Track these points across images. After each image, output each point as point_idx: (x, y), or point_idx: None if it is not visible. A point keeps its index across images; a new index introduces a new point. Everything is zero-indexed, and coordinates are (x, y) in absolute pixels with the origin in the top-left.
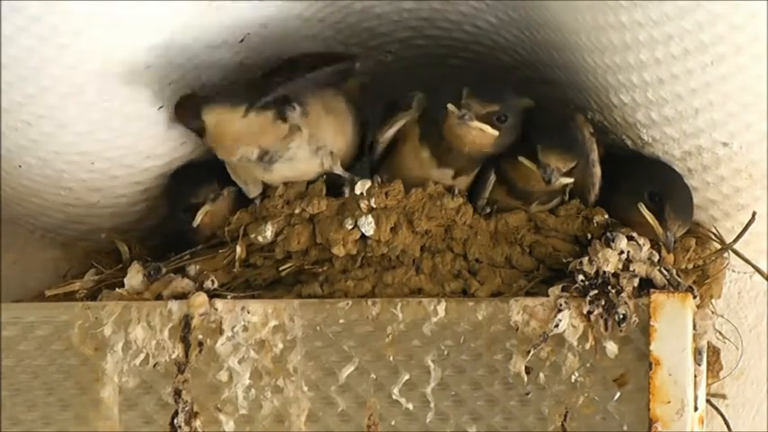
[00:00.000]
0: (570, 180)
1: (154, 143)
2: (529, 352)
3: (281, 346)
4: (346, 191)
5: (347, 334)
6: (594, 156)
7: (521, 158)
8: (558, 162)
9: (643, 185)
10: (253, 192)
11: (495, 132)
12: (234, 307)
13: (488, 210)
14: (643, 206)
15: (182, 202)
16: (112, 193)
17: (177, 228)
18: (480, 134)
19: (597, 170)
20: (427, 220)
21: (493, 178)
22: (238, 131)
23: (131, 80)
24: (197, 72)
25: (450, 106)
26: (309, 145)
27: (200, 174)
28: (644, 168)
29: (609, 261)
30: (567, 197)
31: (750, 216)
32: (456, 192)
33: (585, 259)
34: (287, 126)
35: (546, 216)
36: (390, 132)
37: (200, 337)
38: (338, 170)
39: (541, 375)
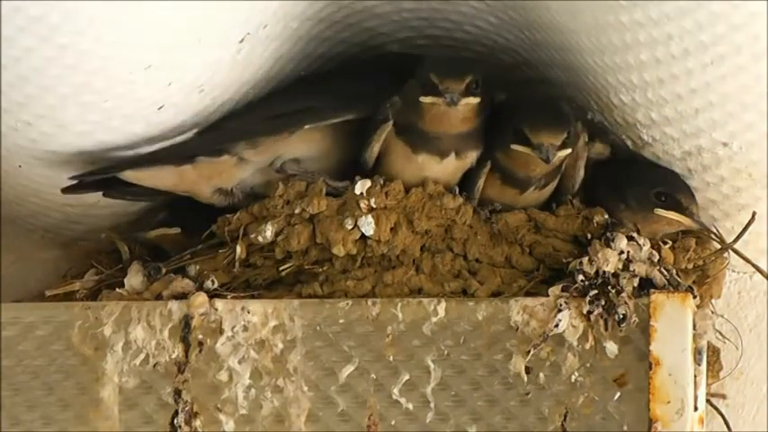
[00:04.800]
0: (568, 150)
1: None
2: (529, 352)
3: (281, 345)
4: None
5: (347, 334)
6: (582, 162)
7: (513, 146)
8: (550, 138)
9: (646, 190)
10: None
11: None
12: (234, 307)
13: (489, 215)
14: (660, 209)
15: None
16: None
17: None
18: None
19: (581, 173)
20: (427, 219)
21: (486, 169)
22: None
23: (131, 80)
24: (196, 72)
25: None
26: None
27: None
28: (636, 174)
29: (609, 261)
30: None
31: (750, 216)
32: (456, 191)
33: (585, 259)
34: None
35: (546, 216)
36: (375, 149)
37: (201, 337)
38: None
39: (541, 375)
